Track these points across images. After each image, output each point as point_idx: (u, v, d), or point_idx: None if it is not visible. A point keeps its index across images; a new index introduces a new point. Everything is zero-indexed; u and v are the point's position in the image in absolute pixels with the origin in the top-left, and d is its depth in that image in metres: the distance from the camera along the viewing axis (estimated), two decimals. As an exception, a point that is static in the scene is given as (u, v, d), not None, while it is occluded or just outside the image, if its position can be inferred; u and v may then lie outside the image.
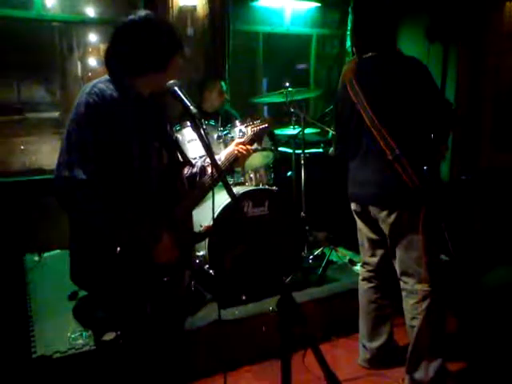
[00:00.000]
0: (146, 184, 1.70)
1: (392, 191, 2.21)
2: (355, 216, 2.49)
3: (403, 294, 2.33)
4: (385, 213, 2.24)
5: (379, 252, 2.46)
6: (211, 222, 2.66)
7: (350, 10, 4.73)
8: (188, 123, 3.00)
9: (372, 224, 2.38)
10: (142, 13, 1.68)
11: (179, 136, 2.96)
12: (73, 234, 1.69)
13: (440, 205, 2.32)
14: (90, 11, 4.12)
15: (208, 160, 2.03)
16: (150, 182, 1.71)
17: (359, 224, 2.50)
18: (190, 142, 2.95)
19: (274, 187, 3.01)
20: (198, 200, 1.88)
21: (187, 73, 3.84)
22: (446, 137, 2.38)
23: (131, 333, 1.83)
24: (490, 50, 4.16)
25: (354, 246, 3.68)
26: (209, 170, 1.96)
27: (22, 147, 4.21)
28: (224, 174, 1.96)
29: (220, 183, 1.91)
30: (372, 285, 2.52)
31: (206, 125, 3.03)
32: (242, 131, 2.83)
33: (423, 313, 2.23)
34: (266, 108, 4.94)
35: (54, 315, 2.59)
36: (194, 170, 1.96)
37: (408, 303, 2.29)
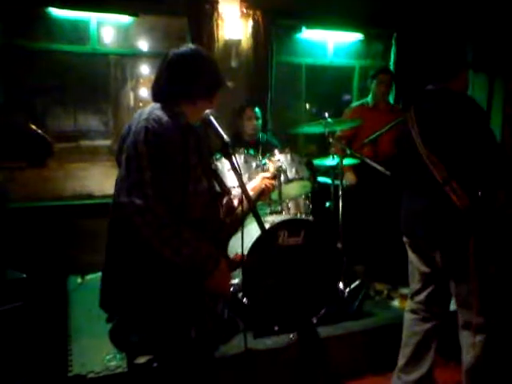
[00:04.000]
0: (195, 209, 1.71)
1: (442, 222, 2.18)
2: (407, 247, 2.46)
3: (459, 326, 2.28)
4: (434, 246, 2.21)
5: (430, 285, 2.40)
6: (244, 251, 2.70)
7: (393, 41, 4.76)
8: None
9: (423, 256, 2.35)
10: (190, 45, 1.79)
11: (219, 164, 3.03)
12: (114, 256, 1.73)
13: (492, 234, 2.24)
14: (142, 45, 4.36)
15: (234, 192, 2.07)
16: (197, 207, 1.71)
17: (410, 256, 2.46)
18: (229, 170, 3.00)
19: (311, 217, 3.00)
20: (232, 231, 1.90)
21: (230, 104, 3.95)
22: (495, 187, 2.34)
23: (168, 357, 1.84)
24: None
25: (392, 281, 3.62)
26: (235, 202, 1.98)
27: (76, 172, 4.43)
28: (254, 206, 2.01)
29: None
30: (418, 317, 2.45)
31: (245, 154, 3.10)
32: (262, 164, 2.90)
33: (477, 347, 2.16)
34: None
35: (92, 336, 2.66)
36: (234, 200, 1.98)
37: (462, 336, 2.25)
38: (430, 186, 2.19)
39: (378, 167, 3.30)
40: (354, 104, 4.16)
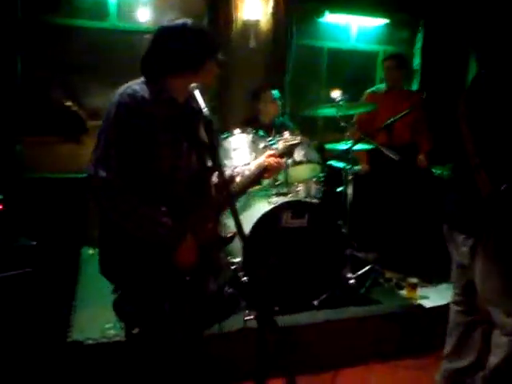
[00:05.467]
0: (174, 184, 1.74)
1: (469, 210, 2.08)
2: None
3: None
4: (462, 237, 2.11)
5: (465, 277, 2.26)
6: (245, 229, 2.69)
7: (421, 27, 4.62)
8: (236, 131, 3.06)
9: (456, 245, 2.22)
10: (180, 19, 1.77)
11: (225, 143, 3.02)
12: (101, 231, 1.77)
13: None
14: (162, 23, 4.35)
15: (237, 170, 2.06)
16: (177, 182, 1.74)
17: (448, 244, 2.33)
18: (235, 150, 3.00)
19: (315, 200, 2.97)
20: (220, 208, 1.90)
21: (249, 85, 3.94)
22: None
23: (151, 329, 1.87)
24: None
25: (403, 269, 3.55)
26: (237, 179, 1.99)
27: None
28: (249, 186, 2.02)
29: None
30: (460, 309, 2.33)
31: (253, 134, 3.08)
32: (270, 144, 2.86)
33: (502, 349, 2.03)
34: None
35: (97, 305, 2.72)
36: (237, 177, 1.98)
37: (494, 333, 2.11)
38: (463, 171, 2.10)
39: (390, 153, 3.22)
40: (369, 90, 4.06)
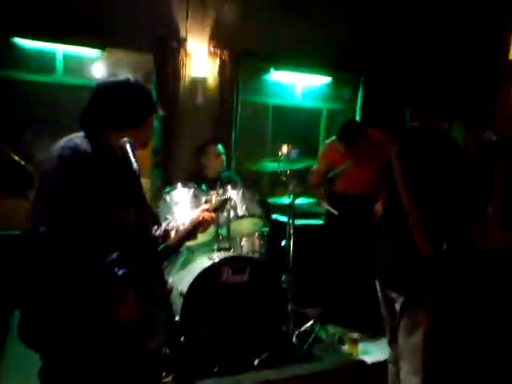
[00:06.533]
0: (119, 235, 1.71)
1: (403, 268, 2.10)
2: (378, 292, 2.35)
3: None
4: (395, 294, 2.13)
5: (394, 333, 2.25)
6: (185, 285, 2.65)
7: (360, 85, 4.88)
8: (178, 185, 3.07)
9: (388, 304, 2.24)
10: (123, 76, 1.80)
11: (167, 197, 3.02)
12: (26, 289, 1.69)
13: (451, 289, 2.14)
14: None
15: (171, 225, 2.06)
16: (122, 233, 1.72)
17: (381, 303, 2.34)
18: (177, 204, 2.99)
19: (256, 255, 2.97)
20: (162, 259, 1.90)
21: (194, 141, 3.99)
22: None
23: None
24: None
25: (344, 324, 3.55)
26: (172, 234, 1.99)
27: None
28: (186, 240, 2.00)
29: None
30: (396, 369, 2.27)
31: (195, 189, 3.09)
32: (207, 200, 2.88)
33: None
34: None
35: (25, 375, 2.47)
36: (158, 232, 1.98)
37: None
38: (400, 227, 2.11)
39: (327, 207, 3.30)
40: (330, 139, 4.04)
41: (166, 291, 1.89)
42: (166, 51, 3.95)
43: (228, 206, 2.88)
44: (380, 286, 2.27)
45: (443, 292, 2.08)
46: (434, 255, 2.00)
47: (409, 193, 2.09)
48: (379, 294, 2.31)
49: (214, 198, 2.12)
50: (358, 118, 4.87)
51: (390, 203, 2.27)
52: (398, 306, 2.13)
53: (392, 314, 2.22)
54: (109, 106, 1.74)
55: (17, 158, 4.02)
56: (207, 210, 2.02)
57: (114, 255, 1.66)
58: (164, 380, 2.48)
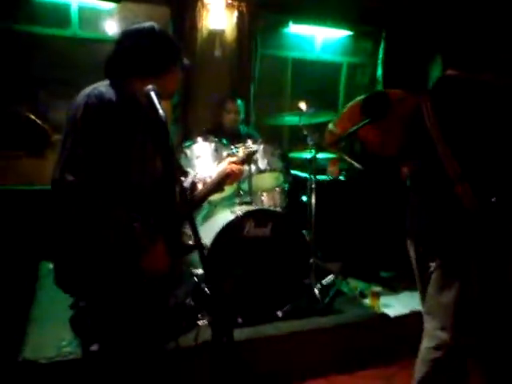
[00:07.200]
0: (141, 190, 1.69)
1: (444, 229, 1.96)
2: (409, 248, 2.24)
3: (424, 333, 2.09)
4: (432, 254, 2.03)
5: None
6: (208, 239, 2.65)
7: (382, 39, 4.71)
8: (199, 139, 3.03)
9: (422, 263, 2.13)
10: (147, 23, 1.75)
11: (188, 151, 2.99)
12: (58, 239, 1.70)
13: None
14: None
15: (199, 177, 2.06)
16: (144, 188, 1.71)
17: (413, 262, 2.22)
18: (198, 158, 2.96)
19: (279, 209, 2.95)
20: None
21: (214, 94, 3.92)
22: None
23: (111, 344, 1.80)
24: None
25: (366, 278, 3.56)
26: (199, 186, 1.98)
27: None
28: (213, 192, 1.99)
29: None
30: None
31: (216, 143, 3.05)
32: (233, 152, 2.83)
33: (434, 363, 1.97)
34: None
35: (54, 322, 2.59)
36: (185, 184, 1.96)
37: (423, 345, 2.05)
38: (438, 185, 1.96)
39: (353, 162, 3.24)
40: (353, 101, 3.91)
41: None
42: (183, 3, 3.83)
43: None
44: (414, 245, 2.16)
45: (488, 252, 1.96)
46: (481, 209, 1.86)
47: (449, 149, 1.91)
48: (412, 253, 2.19)
49: (241, 150, 2.10)
50: (379, 72, 4.72)
51: (425, 160, 2.08)
52: (433, 266, 2.03)
53: (426, 272, 2.11)
54: (131, 53, 1.70)
55: (33, 116, 4.05)
56: (234, 162, 2.01)
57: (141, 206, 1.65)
58: (200, 322, 2.52)
